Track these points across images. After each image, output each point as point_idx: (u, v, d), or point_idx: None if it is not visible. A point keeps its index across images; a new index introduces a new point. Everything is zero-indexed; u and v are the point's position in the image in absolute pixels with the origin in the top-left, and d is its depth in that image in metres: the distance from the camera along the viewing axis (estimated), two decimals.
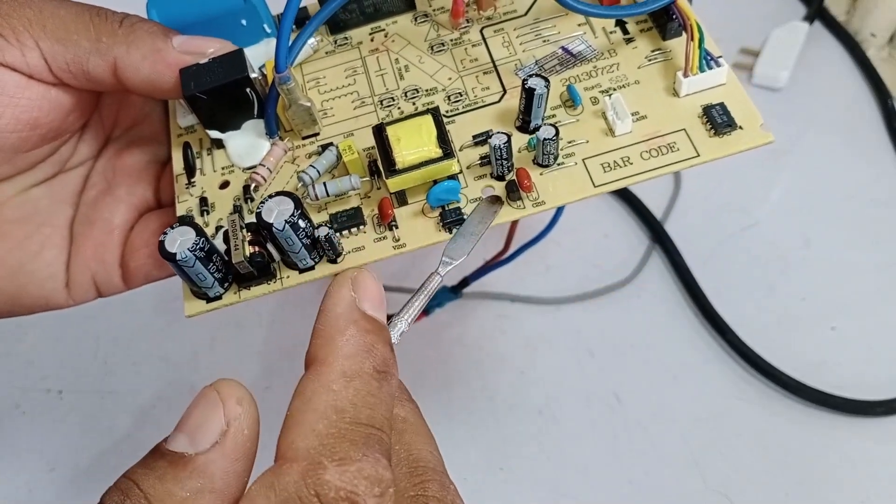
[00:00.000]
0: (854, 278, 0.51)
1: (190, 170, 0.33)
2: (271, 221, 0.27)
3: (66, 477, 0.46)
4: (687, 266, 0.52)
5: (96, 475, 0.45)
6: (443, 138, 0.29)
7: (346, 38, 0.36)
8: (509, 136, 0.29)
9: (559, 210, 0.39)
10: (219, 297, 0.29)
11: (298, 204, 0.28)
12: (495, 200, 0.30)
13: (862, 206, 0.54)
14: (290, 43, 0.29)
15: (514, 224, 0.43)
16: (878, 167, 0.56)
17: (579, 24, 0.34)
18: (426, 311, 0.49)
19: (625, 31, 0.34)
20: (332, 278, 0.28)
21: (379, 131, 0.29)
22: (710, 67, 0.31)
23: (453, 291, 0.49)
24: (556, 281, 0.52)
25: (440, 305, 0.49)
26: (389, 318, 0.28)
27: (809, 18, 0.62)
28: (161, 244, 0.27)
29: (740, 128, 0.30)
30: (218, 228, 0.31)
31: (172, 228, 0.28)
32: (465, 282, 0.49)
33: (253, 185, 0.31)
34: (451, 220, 0.30)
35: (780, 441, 0.46)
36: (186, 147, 0.33)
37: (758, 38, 0.60)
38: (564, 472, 0.45)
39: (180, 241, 0.27)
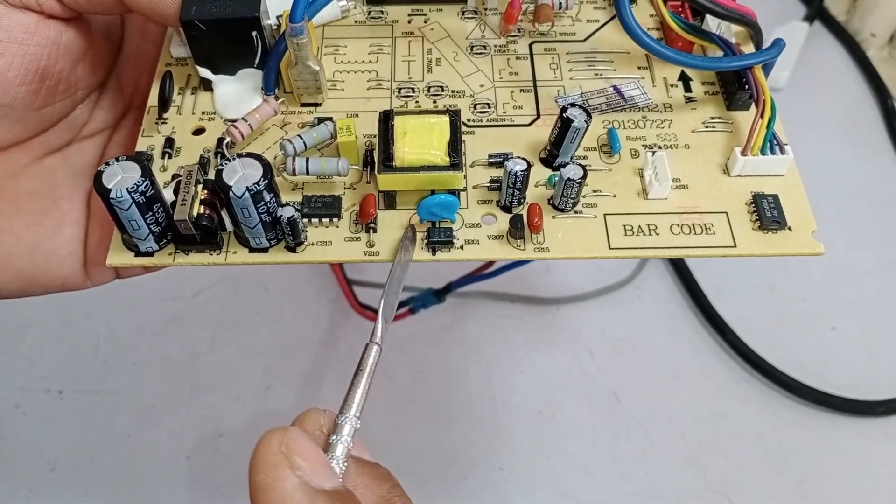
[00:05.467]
0: (854, 278, 0.51)
1: (164, 103, 0.29)
2: (231, 185, 0.24)
3: (66, 477, 0.45)
4: (687, 266, 0.52)
5: (96, 475, 0.45)
6: (455, 146, 0.26)
7: (381, 12, 0.33)
8: (529, 164, 0.26)
9: None
10: (150, 254, 0.26)
11: (268, 172, 0.24)
12: (411, 240, 0.26)
13: (862, 206, 0.54)
14: None
15: None
16: (878, 167, 0.56)
17: (639, 68, 0.31)
18: (411, 310, 0.49)
19: (687, 89, 0.30)
20: (290, 264, 0.26)
21: (385, 118, 0.26)
22: (772, 152, 0.28)
23: (437, 296, 0.48)
24: (556, 281, 0.52)
25: (424, 307, 0.49)
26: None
27: (809, 18, 0.62)
28: (98, 176, 0.24)
29: (789, 228, 0.27)
30: (175, 177, 0.27)
31: (118, 160, 0.24)
32: (448, 288, 0.47)
33: (228, 140, 0.28)
34: (438, 240, 0.26)
35: (780, 441, 0.46)
36: (167, 77, 0.30)
37: None
38: (564, 472, 0.45)
39: (121, 177, 0.24)
